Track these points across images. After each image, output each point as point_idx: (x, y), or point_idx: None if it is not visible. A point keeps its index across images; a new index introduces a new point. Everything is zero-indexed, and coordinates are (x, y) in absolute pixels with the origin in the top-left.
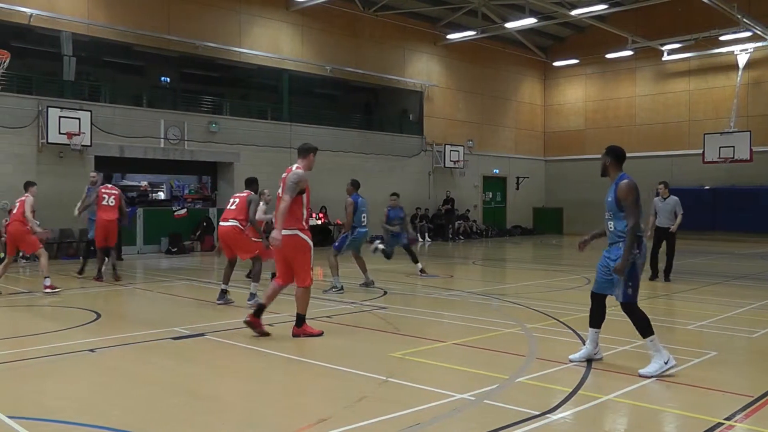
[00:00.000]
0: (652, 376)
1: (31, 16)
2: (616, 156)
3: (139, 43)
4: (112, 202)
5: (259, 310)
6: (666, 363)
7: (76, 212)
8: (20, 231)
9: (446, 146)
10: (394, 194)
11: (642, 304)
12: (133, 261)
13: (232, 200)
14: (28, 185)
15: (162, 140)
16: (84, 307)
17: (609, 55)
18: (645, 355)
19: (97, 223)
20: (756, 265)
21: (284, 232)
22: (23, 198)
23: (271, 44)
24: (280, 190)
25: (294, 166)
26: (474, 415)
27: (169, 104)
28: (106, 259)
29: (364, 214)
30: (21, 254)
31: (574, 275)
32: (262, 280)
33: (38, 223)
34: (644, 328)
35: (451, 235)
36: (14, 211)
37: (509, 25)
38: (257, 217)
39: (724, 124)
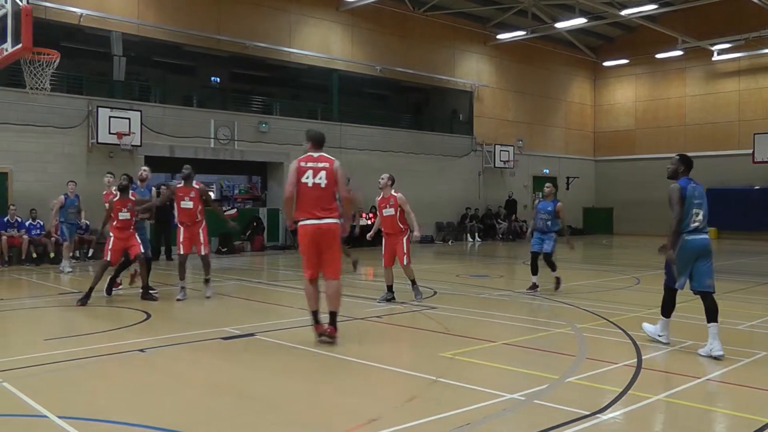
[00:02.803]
0: (648, 334)
1: (81, 16)
2: (688, 164)
3: (189, 43)
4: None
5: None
6: (659, 337)
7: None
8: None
9: (496, 146)
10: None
11: (690, 304)
12: None
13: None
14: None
15: (212, 140)
16: (134, 307)
17: (659, 55)
18: (695, 355)
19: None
20: None
21: (334, 221)
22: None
23: (321, 44)
24: (319, 180)
25: (329, 156)
26: (524, 415)
27: (219, 104)
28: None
29: None
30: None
31: (624, 275)
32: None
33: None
34: (662, 308)
35: (511, 237)
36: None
37: (559, 25)
38: None
39: None
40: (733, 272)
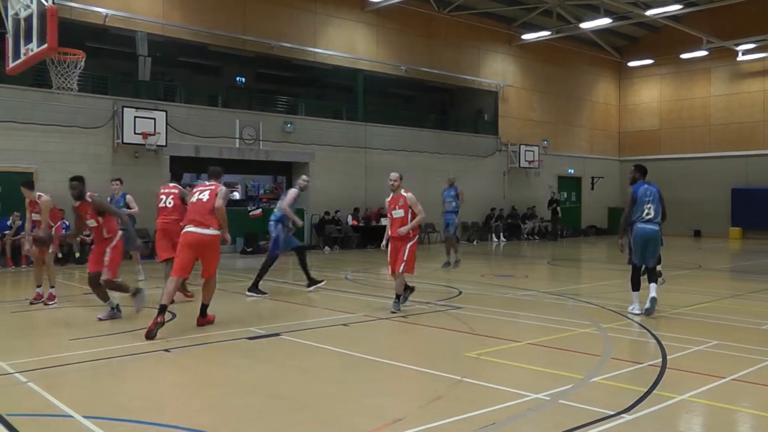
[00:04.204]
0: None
1: (106, 16)
2: (642, 171)
3: (214, 43)
4: (170, 203)
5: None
6: (631, 308)
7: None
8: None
9: (521, 146)
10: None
11: (715, 304)
12: None
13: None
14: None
15: (237, 140)
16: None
17: (684, 56)
18: (720, 355)
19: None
20: None
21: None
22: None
23: (346, 44)
24: (202, 197)
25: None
26: (549, 415)
27: (244, 104)
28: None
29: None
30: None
31: None
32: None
33: None
34: (632, 284)
35: (536, 237)
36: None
37: (584, 25)
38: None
39: None
40: (757, 272)
